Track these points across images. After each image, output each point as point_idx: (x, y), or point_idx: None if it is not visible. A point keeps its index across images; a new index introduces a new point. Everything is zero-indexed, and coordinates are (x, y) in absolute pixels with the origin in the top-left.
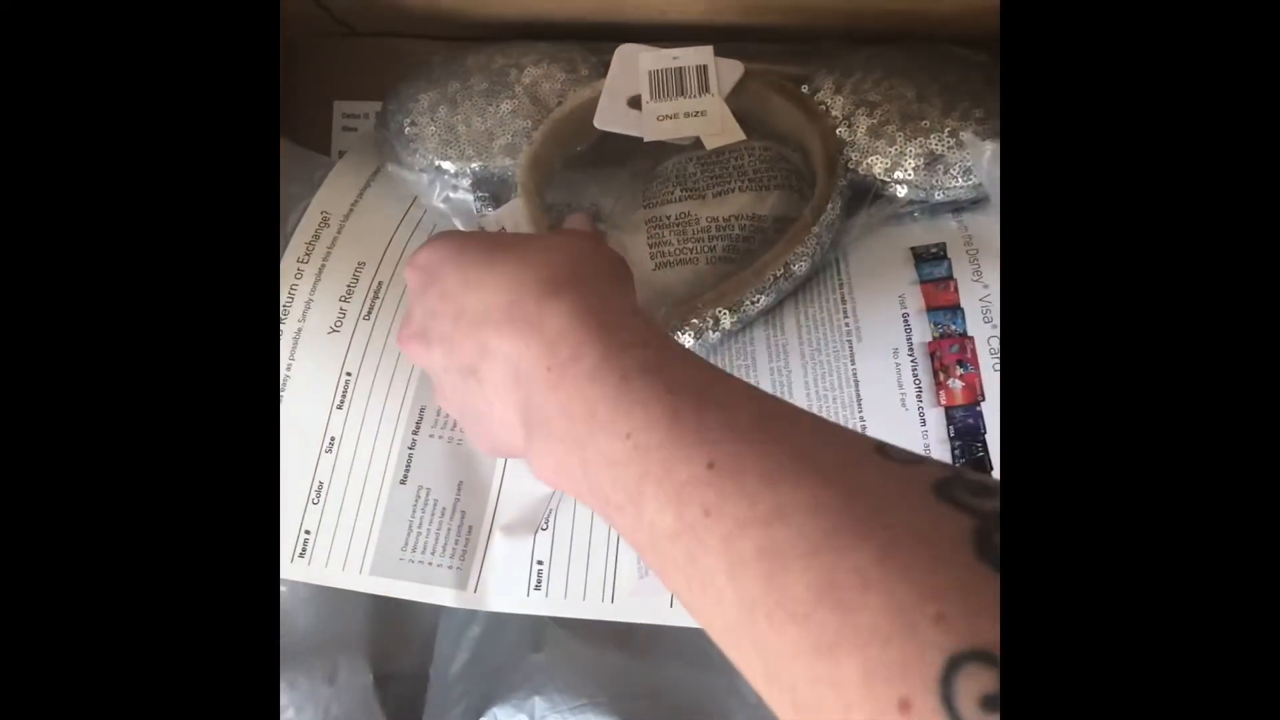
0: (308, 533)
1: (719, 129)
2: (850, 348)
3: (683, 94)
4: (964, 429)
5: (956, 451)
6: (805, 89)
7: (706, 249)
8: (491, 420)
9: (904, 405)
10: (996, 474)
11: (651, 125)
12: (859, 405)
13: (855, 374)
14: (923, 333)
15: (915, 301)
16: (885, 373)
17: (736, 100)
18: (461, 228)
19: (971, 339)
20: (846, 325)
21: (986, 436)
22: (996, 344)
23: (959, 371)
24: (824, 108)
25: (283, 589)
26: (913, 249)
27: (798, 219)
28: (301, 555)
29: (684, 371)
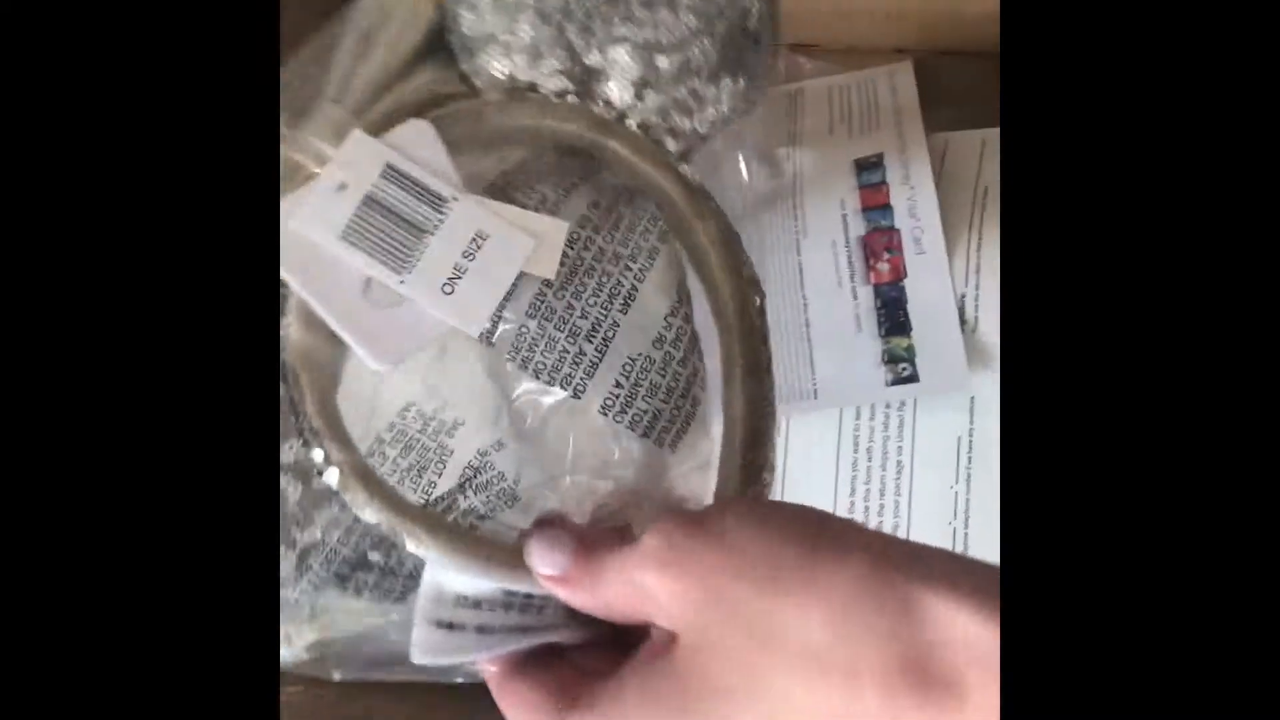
0: None
1: (534, 246)
2: (797, 243)
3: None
4: (889, 300)
5: (881, 316)
6: (571, 99)
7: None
8: None
9: (839, 285)
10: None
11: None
12: (801, 285)
13: (800, 264)
14: (858, 228)
15: (853, 203)
16: (825, 260)
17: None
18: None
19: (898, 230)
20: (795, 226)
21: (908, 306)
22: (919, 234)
23: (886, 256)
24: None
25: None
26: (855, 161)
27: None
28: None
29: None
